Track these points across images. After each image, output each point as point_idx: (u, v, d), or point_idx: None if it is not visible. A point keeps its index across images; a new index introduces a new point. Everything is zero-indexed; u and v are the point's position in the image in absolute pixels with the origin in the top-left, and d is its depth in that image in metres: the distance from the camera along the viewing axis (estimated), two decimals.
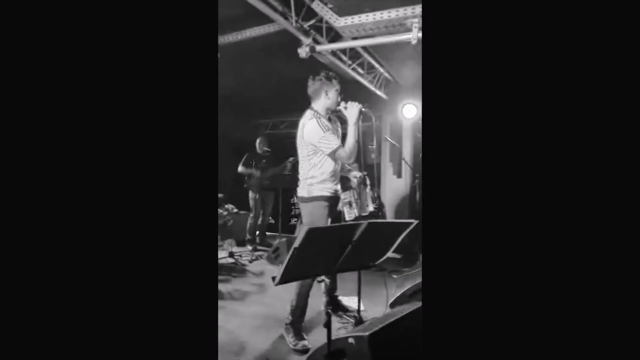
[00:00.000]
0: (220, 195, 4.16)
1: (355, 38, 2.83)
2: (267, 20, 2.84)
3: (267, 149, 4.51)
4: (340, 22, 2.66)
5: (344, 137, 1.94)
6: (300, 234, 0.97)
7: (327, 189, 1.97)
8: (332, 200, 2.02)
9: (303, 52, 2.85)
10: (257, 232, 4.50)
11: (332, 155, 1.90)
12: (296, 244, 0.96)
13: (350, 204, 2.14)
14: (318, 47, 2.89)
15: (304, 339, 1.94)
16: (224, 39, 3.22)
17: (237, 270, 3.48)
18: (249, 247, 4.30)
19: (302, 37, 2.82)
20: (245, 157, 4.44)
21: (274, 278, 1.06)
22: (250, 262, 3.77)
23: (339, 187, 2.05)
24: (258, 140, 4.57)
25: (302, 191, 2.01)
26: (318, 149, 1.92)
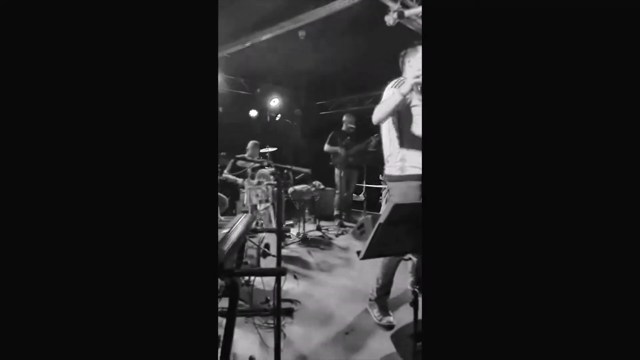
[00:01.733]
0: (307, 170, 4.33)
1: None
2: None
3: (352, 125, 4.48)
4: None
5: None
6: (385, 210, 0.93)
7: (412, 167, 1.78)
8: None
9: (390, 19, 2.68)
10: (343, 209, 4.59)
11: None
12: (381, 219, 0.94)
13: None
14: (407, 12, 2.67)
15: (389, 314, 1.93)
16: (307, 16, 3.24)
17: (324, 243, 3.63)
18: (336, 222, 4.43)
19: (390, 3, 2.64)
20: (330, 135, 4.51)
21: (358, 252, 1.05)
22: (336, 236, 3.89)
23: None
24: (344, 118, 4.57)
25: (391, 169, 1.86)
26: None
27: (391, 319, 1.91)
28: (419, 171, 1.74)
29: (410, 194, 1.76)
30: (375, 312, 1.96)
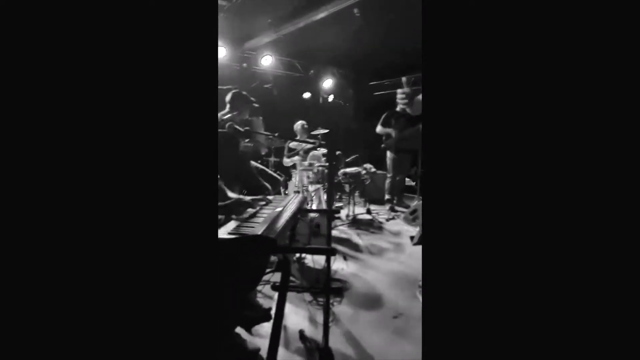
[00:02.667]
0: (356, 155, 4.27)
1: None
2: None
3: (404, 106, 4.29)
4: None
5: None
6: None
7: None
8: None
9: None
10: (395, 193, 4.48)
11: None
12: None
13: None
14: None
15: None
16: None
17: (374, 226, 3.59)
18: (386, 207, 4.35)
19: None
20: (384, 115, 4.36)
21: (412, 238, 1.02)
22: (387, 220, 3.82)
23: None
24: (398, 97, 4.38)
25: None
26: None
27: None
28: None
29: None
30: None
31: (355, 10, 3.58)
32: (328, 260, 1.28)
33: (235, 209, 1.40)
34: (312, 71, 6.05)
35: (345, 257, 2.63)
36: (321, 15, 3.64)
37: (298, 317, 1.81)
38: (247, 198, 1.67)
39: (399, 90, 4.41)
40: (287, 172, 3.94)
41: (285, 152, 3.99)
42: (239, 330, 1.62)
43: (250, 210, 1.44)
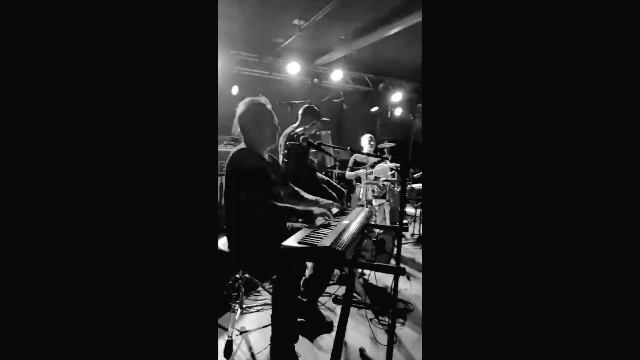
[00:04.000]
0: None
1: None
2: None
3: None
4: None
5: None
6: None
7: None
8: None
9: None
10: None
11: None
12: None
13: None
14: None
15: None
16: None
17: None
18: None
19: None
20: None
21: None
22: None
23: None
24: None
25: None
26: None
27: None
28: None
29: None
30: None
31: None
32: (396, 280, 1.24)
33: (310, 216, 1.45)
34: (381, 85, 6.03)
35: (408, 277, 2.52)
36: (394, 30, 3.64)
37: (359, 334, 1.78)
38: (325, 201, 1.71)
39: None
40: (350, 184, 3.94)
41: (350, 164, 4.00)
42: (301, 338, 1.65)
43: (320, 219, 1.47)
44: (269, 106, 1.64)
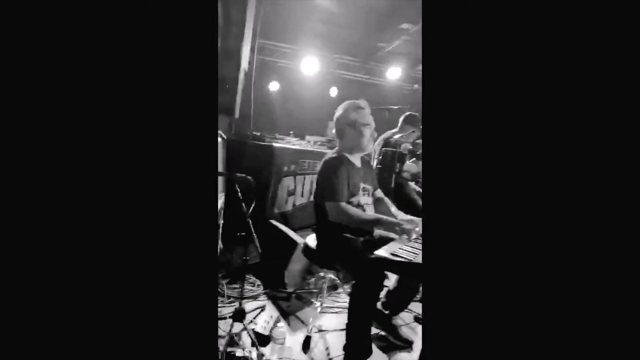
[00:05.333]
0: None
1: None
2: None
3: None
4: None
5: None
6: None
7: None
8: None
9: None
10: None
11: None
12: None
13: None
14: None
15: None
16: None
17: None
18: None
19: None
20: None
21: None
22: None
23: None
24: None
25: None
26: None
27: None
28: None
29: None
30: None
31: None
32: None
33: (401, 229, 1.39)
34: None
35: None
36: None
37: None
38: (407, 217, 1.63)
39: None
40: None
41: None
42: (376, 352, 1.60)
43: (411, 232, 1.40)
44: (367, 110, 1.62)
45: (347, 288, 2.07)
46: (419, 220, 1.53)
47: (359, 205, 1.58)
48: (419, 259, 1.12)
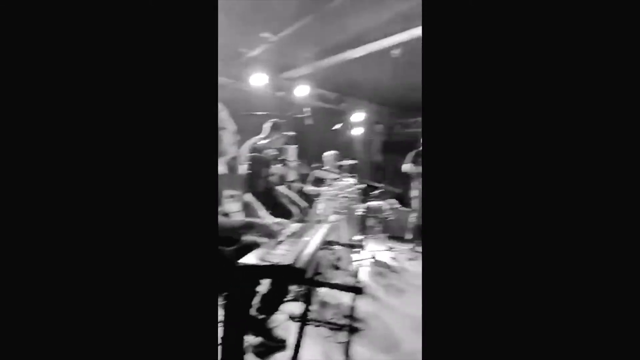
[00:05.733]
0: (381, 190, 4.25)
1: None
2: None
3: None
4: None
5: None
6: None
7: None
8: None
9: None
10: (418, 232, 4.37)
11: None
12: None
13: None
14: None
15: None
16: (405, 36, 3.22)
17: (394, 266, 3.49)
18: (408, 245, 4.24)
19: None
20: (413, 154, 4.36)
21: None
22: (408, 260, 3.71)
23: None
24: None
25: None
26: None
27: None
28: None
29: None
30: None
31: (393, 52, 3.71)
32: (354, 299, 1.25)
33: (270, 232, 1.41)
34: (344, 104, 6.21)
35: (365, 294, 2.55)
36: (359, 54, 3.79)
37: (313, 352, 1.75)
38: (276, 220, 1.68)
39: None
40: (309, 200, 3.95)
41: (310, 179, 4.02)
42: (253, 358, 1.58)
43: (277, 237, 1.45)
44: (224, 113, 1.59)
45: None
46: (287, 222, 1.59)
47: (225, 214, 1.54)
48: (287, 260, 1.17)
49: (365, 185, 4.25)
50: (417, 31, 3.07)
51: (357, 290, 1.22)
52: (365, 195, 4.22)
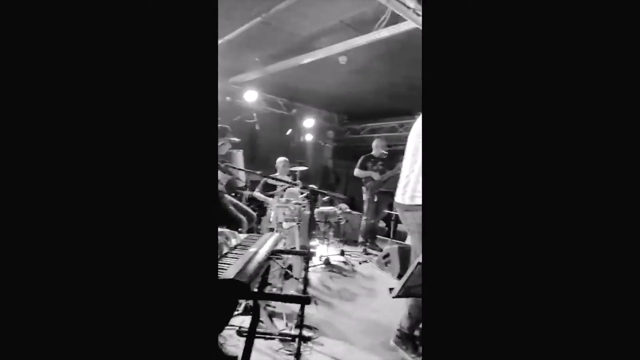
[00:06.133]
0: (343, 196, 4.30)
1: None
2: (397, 19, 2.76)
3: (384, 151, 4.43)
4: None
5: None
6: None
7: None
8: None
9: None
10: (369, 235, 4.47)
11: None
12: (421, 258, 0.87)
13: None
14: None
15: (420, 354, 1.81)
16: (350, 43, 3.30)
17: (347, 269, 3.52)
18: (360, 249, 4.32)
19: None
20: (361, 159, 4.47)
21: (391, 289, 0.99)
22: (359, 263, 3.77)
23: None
24: (375, 142, 4.54)
25: (403, 197, 1.83)
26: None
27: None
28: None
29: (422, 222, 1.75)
30: (406, 350, 1.84)
31: (341, 59, 3.78)
32: (302, 309, 1.22)
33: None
34: (294, 110, 6.20)
35: (316, 302, 2.53)
36: (307, 60, 3.81)
37: None
38: (220, 230, 1.58)
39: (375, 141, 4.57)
40: (261, 207, 3.86)
41: (260, 187, 3.94)
42: None
43: (224, 248, 1.37)
44: None
45: None
46: (230, 232, 1.51)
47: None
48: (228, 275, 1.10)
49: (316, 191, 4.26)
50: (360, 40, 3.17)
51: (304, 300, 1.19)
52: (316, 201, 4.22)
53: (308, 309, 2.37)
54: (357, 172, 4.45)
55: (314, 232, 4.46)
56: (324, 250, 3.81)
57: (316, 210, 3.97)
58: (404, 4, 2.37)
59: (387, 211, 4.64)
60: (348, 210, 4.64)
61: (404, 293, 0.97)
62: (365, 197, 4.43)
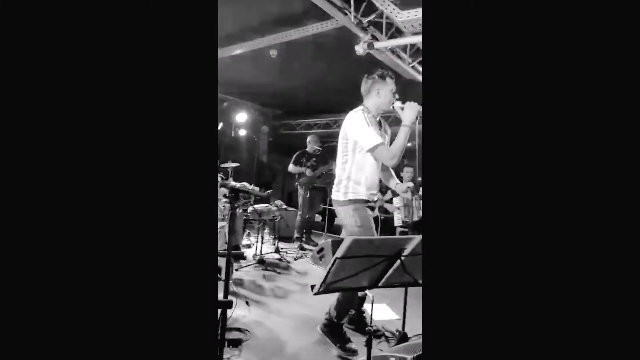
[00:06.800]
0: (270, 191, 4.23)
1: (417, 34, 2.65)
2: (325, 16, 2.79)
3: (318, 147, 4.49)
4: (402, 17, 2.51)
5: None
6: (343, 244, 0.88)
7: (365, 192, 1.84)
8: (370, 206, 1.88)
9: (360, 48, 2.75)
10: (304, 231, 4.50)
11: (372, 152, 1.77)
12: (338, 253, 0.88)
13: (399, 208, 2.16)
14: (376, 44, 2.77)
15: (349, 341, 1.87)
16: (280, 37, 3.25)
17: (281, 266, 3.49)
18: (295, 245, 4.32)
19: (360, 34, 2.72)
20: (295, 155, 4.47)
21: (312, 287, 0.99)
22: (295, 259, 3.77)
23: (376, 192, 1.92)
24: (309, 139, 4.57)
25: (337, 193, 1.89)
26: (358, 145, 1.81)
27: (352, 344, 1.85)
28: (364, 197, 1.85)
29: (355, 218, 1.83)
30: (331, 339, 1.89)
31: (272, 52, 3.71)
32: (224, 314, 1.16)
33: None
34: (225, 104, 5.93)
35: (247, 302, 2.45)
36: (237, 51, 3.66)
37: None
38: None
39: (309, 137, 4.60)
40: None
41: None
42: None
43: None
44: None
45: None
46: None
47: None
48: None
49: (236, 189, 4.14)
50: (294, 33, 3.13)
51: (225, 305, 1.13)
52: (237, 199, 4.10)
53: (241, 310, 2.29)
54: (291, 167, 4.44)
55: (247, 231, 4.33)
56: (258, 248, 3.73)
57: (250, 208, 3.86)
58: (331, 2, 2.39)
59: (322, 206, 4.72)
60: (284, 207, 4.60)
61: (324, 290, 0.97)
62: (300, 192, 4.44)
